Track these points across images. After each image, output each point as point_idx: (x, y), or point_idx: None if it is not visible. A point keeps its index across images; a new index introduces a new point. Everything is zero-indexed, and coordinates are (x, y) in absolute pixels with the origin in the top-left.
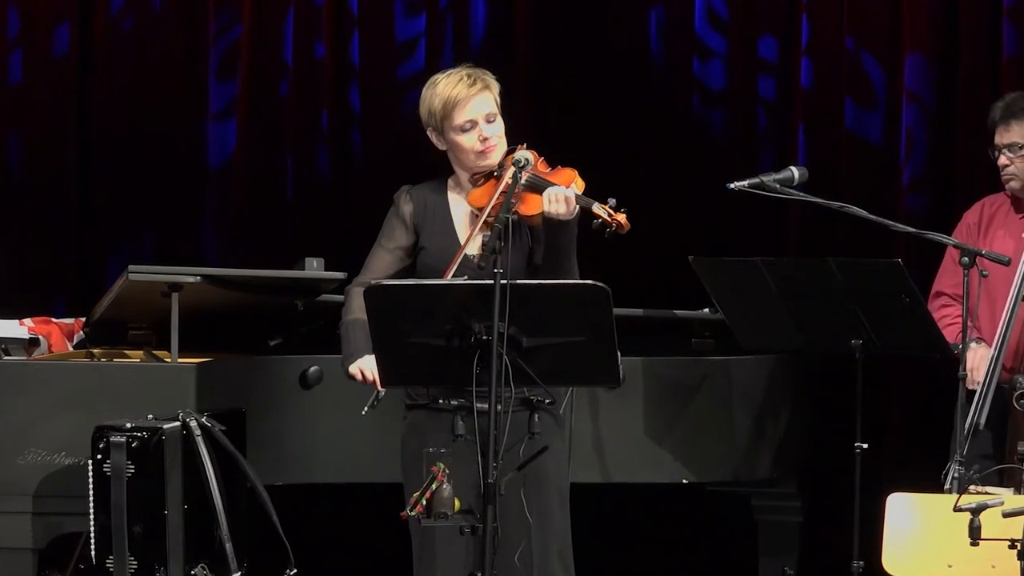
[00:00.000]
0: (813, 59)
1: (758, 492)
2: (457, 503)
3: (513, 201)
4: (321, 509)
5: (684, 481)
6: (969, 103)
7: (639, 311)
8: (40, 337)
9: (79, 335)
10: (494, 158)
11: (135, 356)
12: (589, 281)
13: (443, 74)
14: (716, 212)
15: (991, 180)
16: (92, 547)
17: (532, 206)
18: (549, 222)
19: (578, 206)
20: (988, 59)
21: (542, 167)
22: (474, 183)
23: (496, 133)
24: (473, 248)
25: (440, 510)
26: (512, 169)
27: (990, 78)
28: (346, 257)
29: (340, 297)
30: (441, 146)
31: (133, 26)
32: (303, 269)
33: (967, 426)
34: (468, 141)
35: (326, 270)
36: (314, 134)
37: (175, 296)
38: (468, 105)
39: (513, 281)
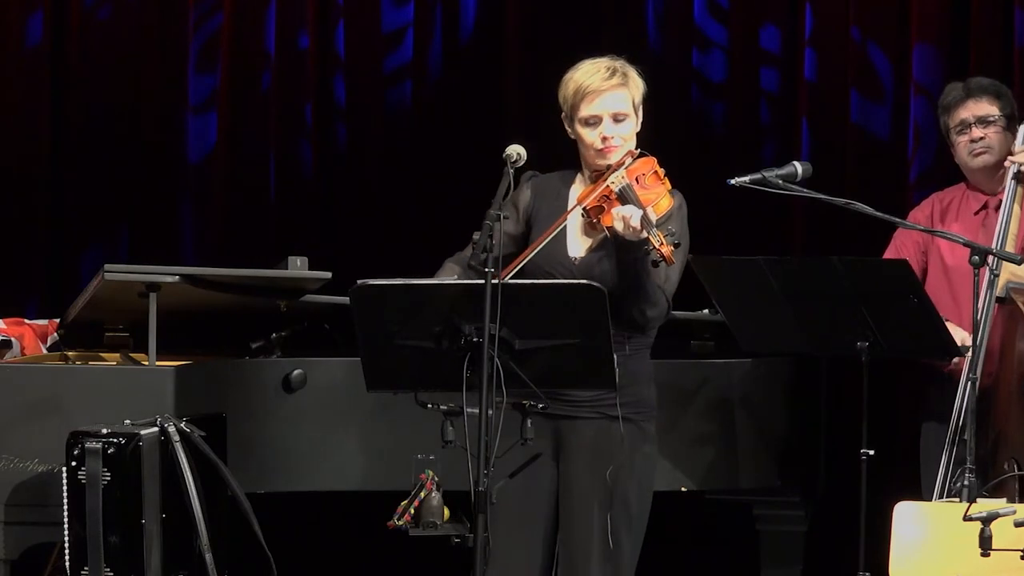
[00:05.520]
0: (817, 50)
1: (760, 500)
2: (447, 512)
3: (504, 199)
4: (304, 518)
5: (683, 489)
6: None
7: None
8: (12, 339)
9: (53, 337)
10: (612, 158)
11: (111, 359)
12: (583, 281)
13: (591, 60)
14: (716, 209)
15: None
16: (67, 557)
17: (610, 217)
18: (616, 238)
19: (644, 231)
20: (999, 49)
21: (651, 180)
22: (592, 179)
23: (620, 134)
24: (577, 248)
25: (429, 519)
26: (620, 171)
27: (1001, 69)
28: (331, 256)
29: (325, 298)
30: (571, 135)
31: (109, 15)
32: (286, 268)
33: (962, 432)
34: (589, 136)
35: (310, 269)
36: (297, 128)
37: (153, 296)
38: (597, 99)
39: (504, 281)
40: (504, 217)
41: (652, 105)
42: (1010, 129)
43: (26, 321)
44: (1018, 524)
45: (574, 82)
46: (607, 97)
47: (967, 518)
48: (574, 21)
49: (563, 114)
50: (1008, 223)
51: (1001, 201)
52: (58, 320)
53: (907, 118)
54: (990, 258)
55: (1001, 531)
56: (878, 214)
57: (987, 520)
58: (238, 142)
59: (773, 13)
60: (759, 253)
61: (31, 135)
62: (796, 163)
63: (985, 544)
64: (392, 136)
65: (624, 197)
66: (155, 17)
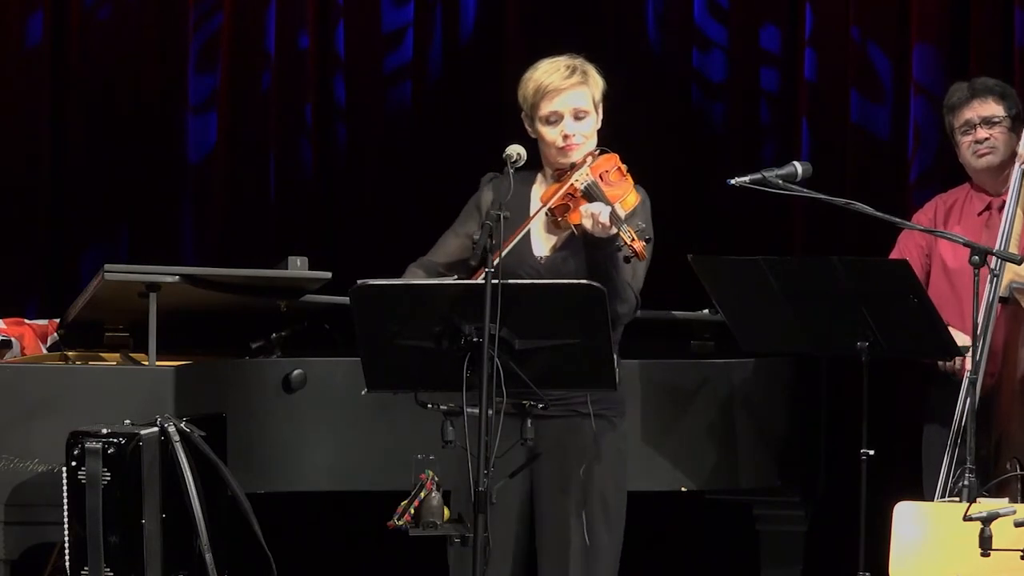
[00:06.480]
0: (817, 50)
1: (760, 501)
2: (446, 512)
3: (507, 197)
4: (304, 518)
5: (683, 489)
6: None
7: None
8: (12, 339)
9: (53, 337)
10: (574, 156)
11: (111, 359)
12: (583, 281)
13: (549, 59)
14: (716, 209)
15: None
16: (67, 557)
17: (578, 215)
18: (586, 236)
19: (613, 227)
20: (999, 49)
21: (615, 176)
22: (555, 178)
23: (582, 131)
24: (541, 248)
25: (429, 519)
26: (584, 168)
27: (1001, 69)
28: (331, 256)
29: (325, 297)
30: (532, 134)
31: (109, 15)
32: (286, 268)
33: (964, 432)
34: (550, 135)
35: (310, 269)
36: (297, 128)
37: (153, 296)
38: (558, 97)
39: (505, 281)
40: (505, 217)
41: (652, 105)
42: (1015, 129)
43: (26, 321)
44: (1018, 524)
45: (534, 81)
46: (568, 95)
47: (967, 518)
48: (574, 21)
49: (523, 113)
50: (1012, 224)
51: (1005, 202)
52: (58, 320)
53: (907, 118)
54: (991, 258)
55: (1001, 531)
56: (878, 214)
57: (987, 520)
58: (238, 142)
59: (773, 13)
60: (759, 253)
61: (31, 135)
62: (796, 163)
63: (985, 544)
64: (392, 136)
65: (590, 194)
66: (155, 17)
